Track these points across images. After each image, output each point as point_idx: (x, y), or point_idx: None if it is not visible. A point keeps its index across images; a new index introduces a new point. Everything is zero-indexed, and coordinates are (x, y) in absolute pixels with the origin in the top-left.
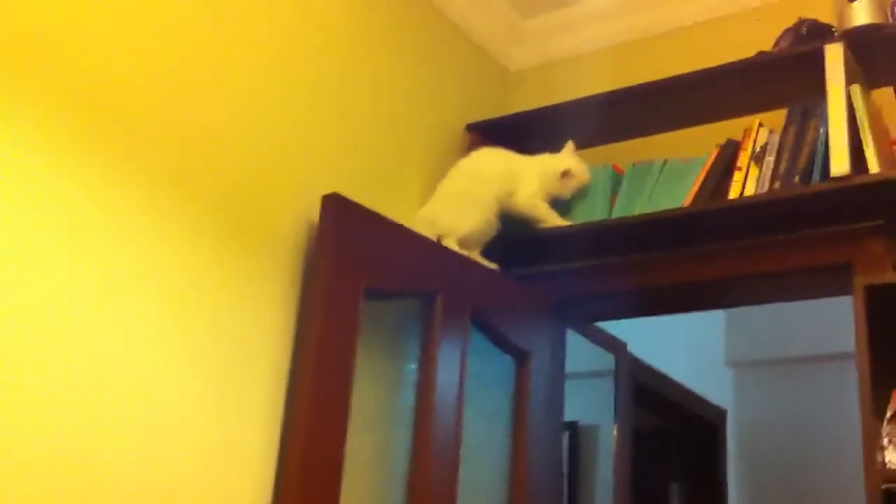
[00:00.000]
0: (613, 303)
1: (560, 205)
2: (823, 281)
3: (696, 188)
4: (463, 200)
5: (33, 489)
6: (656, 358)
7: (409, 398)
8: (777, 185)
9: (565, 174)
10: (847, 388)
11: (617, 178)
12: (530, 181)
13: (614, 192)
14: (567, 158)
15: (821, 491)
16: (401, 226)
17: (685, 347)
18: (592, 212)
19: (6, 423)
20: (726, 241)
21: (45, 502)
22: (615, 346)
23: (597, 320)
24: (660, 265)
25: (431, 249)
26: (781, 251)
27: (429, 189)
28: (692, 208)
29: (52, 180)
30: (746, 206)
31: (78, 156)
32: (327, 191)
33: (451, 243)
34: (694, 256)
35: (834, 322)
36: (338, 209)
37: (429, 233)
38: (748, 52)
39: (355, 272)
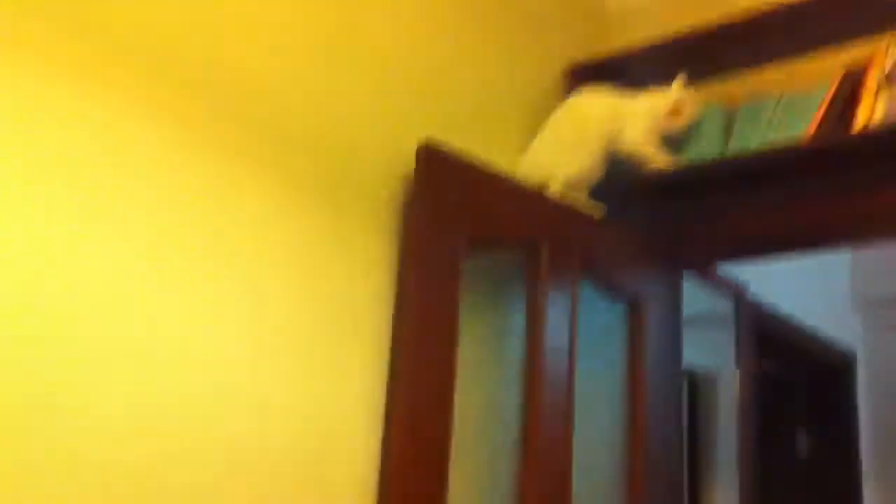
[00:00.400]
0: (731, 245)
1: (672, 144)
2: None
3: (817, 120)
4: (568, 143)
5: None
6: (778, 300)
7: (518, 354)
8: None
9: (674, 111)
10: None
11: (730, 116)
12: (637, 121)
13: (728, 131)
14: (676, 94)
15: None
16: (499, 174)
17: (809, 288)
18: (705, 151)
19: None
20: (855, 175)
21: (152, 474)
22: (734, 289)
23: (713, 263)
24: (779, 204)
25: (533, 197)
26: None
27: (528, 135)
28: (814, 141)
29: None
30: (878, 135)
31: (147, 109)
32: (421, 140)
33: (556, 187)
34: (817, 193)
35: None
36: (433, 159)
37: (534, 177)
38: None
39: (454, 224)
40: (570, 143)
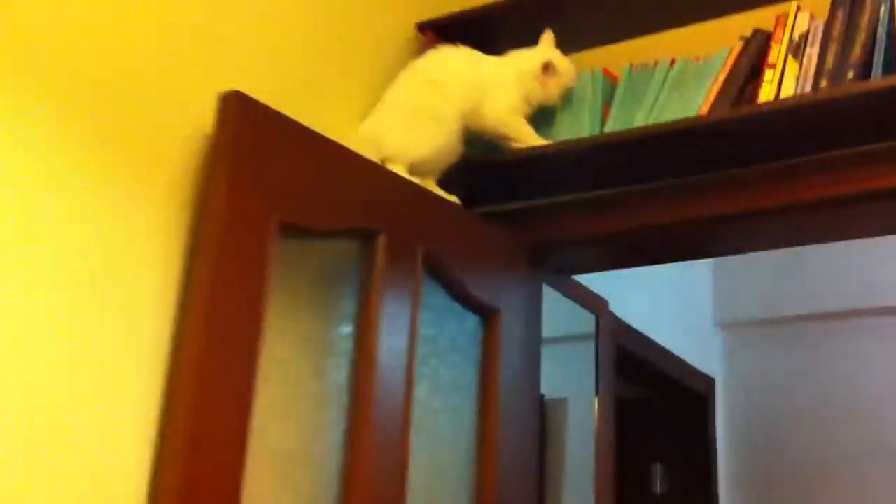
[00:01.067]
0: (604, 249)
1: (540, 122)
2: (886, 211)
3: (714, 93)
4: (416, 116)
5: None
6: (637, 321)
7: (342, 371)
8: (824, 83)
9: (547, 68)
10: (861, 348)
11: (610, 85)
12: (503, 90)
13: (607, 103)
14: (545, 53)
15: (827, 466)
16: (330, 141)
17: (668, 307)
18: (579, 129)
19: None
20: (755, 162)
21: None
22: (596, 304)
23: (579, 272)
24: (666, 197)
25: (372, 175)
26: (831, 172)
27: (372, 101)
28: (710, 117)
29: None
30: (784, 112)
31: None
32: (229, 91)
33: (399, 170)
34: (711, 184)
35: (842, 276)
36: (241, 113)
37: (371, 155)
38: None
39: (265, 200)
40: (420, 115)
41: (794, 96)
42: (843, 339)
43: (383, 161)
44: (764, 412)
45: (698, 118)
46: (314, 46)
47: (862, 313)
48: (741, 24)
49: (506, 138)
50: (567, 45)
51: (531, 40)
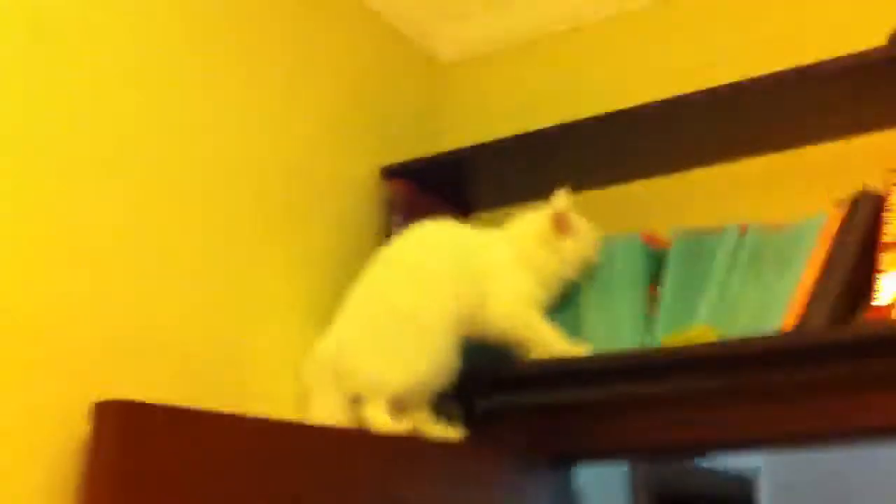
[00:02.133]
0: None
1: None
2: None
3: (809, 284)
4: (394, 329)
5: None
6: None
7: None
8: None
9: (559, 223)
10: None
11: (655, 256)
12: (507, 275)
13: (654, 282)
14: (556, 206)
15: None
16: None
17: None
18: (617, 319)
19: None
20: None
21: None
22: None
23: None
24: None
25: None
26: None
27: (326, 296)
28: (813, 333)
29: None
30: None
31: None
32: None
33: (377, 412)
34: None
35: None
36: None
37: (330, 392)
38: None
39: None
40: (399, 326)
41: None
42: None
43: (354, 399)
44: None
45: (789, 336)
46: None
47: None
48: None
49: (522, 341)
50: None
51: (530, 195)
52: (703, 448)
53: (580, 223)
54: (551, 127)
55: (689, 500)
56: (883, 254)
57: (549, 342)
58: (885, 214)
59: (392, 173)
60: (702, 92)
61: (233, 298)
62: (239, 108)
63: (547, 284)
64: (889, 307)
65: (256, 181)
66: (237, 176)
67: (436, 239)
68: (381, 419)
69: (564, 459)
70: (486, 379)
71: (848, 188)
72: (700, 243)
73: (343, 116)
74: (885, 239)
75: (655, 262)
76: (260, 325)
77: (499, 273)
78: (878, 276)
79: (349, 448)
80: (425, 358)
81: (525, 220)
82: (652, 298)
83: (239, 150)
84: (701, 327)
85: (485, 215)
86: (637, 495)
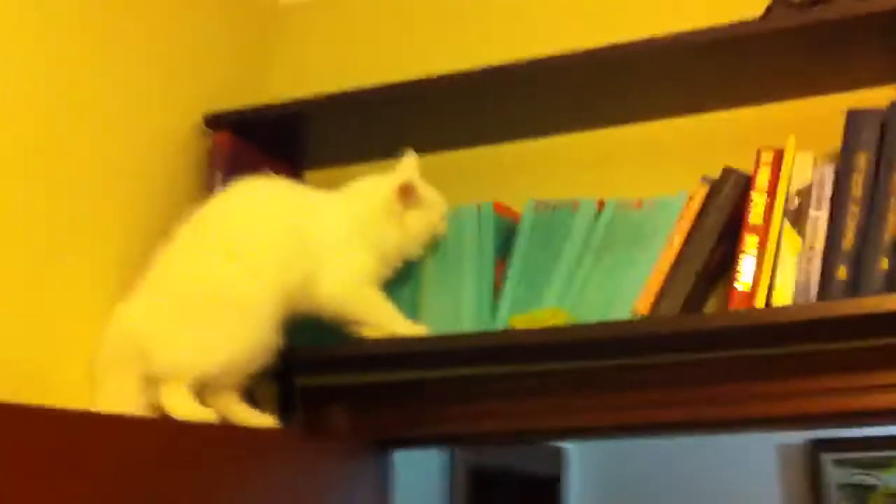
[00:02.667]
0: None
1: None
2: None
3: (665, 268)
4: (205, 303)
5: None
6: None
7: None
8: (842, 274)
9: (404, 192)
10: None
11: (505, 228)
12: (343, 248)
13: (500, 260)
14: (403, 174)
15: None
16: None
17: None
18: (459, 296)
19: None
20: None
21: None
22: None
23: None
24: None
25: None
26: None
27: (137, 265)
28: (659, 324)
29: None
30: (775, 328)
31: None
32: None
33: (176, 395)
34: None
35: None
36: None
37: (129, 372)
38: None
39: None
40: (211, 302)
41: (795, 306)
42: None
43: (152, 379)
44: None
45: (641, 322)
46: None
47: None
48: (698, 145)
49: (354, 323)
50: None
51: (368, 154)
52: (533, 436)
53: (429, 194)
54: (394, 83)
55: (505, 475)
56: (746, 234)
57: (386, 322)
58: (751, 193)
59: (216, 123)
60: (563, 56)
61: (24, 271)
62: (31, 47)
63: (387, 260)
64: (750, 294)
65: (52, 128)
66: (25, 124)
67: (261, 199)
68: (180, 405)
69: (387, 445)
70: (311, 359)
71: (716, 166)
72: (554, 217)
73: (162, 58)
74: (751, 220)
75: (506, 235)
76: (56, 300)
77: (334, 246)
78: (740, 256)
79: (147, 438)
80: (239, 339)
81: (366, 188)
82: (497, 274)
83: (33, 94)
84: (551, 310)
85: (318, 174)
86: (455, 474)
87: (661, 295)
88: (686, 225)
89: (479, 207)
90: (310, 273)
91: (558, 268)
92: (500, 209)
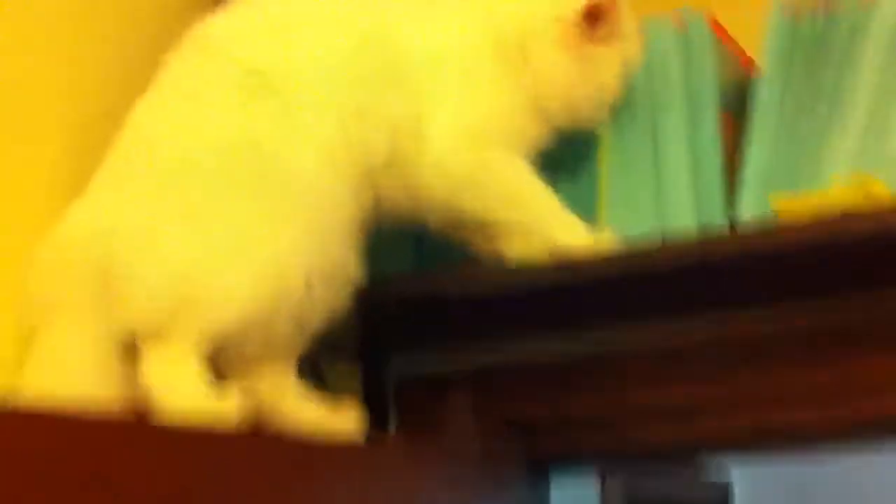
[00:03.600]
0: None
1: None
2: None
3: None
4: (224, 183)
5: None
6: None
7: None
8: None
9: (593, 15)
10: None
11: (726, 57)
12: (472, 79)
13: (727, 109)
14: None
15: None
16: None
17: None
18: (672, 181)
19: None
20: None
21: None
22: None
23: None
24: None
25: None
26: None
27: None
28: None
29: None
30: None
31: None
32: None
33: (172, 365)
34: None
35: None
36: None
37: (90, 320)
38: None
39: None
40: (230, 187)
41: None
42: None
43: (126, 338)
44: None
45: None
46: None
47: None
48: None
49: (488, 228)
50: None
51: None
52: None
53: (628, 20)
54: None
55: None
56: None
57: (548, 225)
58: None
59: None
60: None
61: None
62: None
63: (545, 119)
64: None
65: None
66: None
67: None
68: (178, 387)
69: (541, 465)
70: (408, 299)
71: None
72: (829, 26)
73: None
74: None
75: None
76: None
77: (453, 75)
78: None
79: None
80: (285, 250)
81: None
82: (731, 136)
83: None
84: (854, 177)
85: None
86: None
87: None
88: None
89: (682, 23)
90: (405, 123)
91: (844, 111)
92: (717, 28)
